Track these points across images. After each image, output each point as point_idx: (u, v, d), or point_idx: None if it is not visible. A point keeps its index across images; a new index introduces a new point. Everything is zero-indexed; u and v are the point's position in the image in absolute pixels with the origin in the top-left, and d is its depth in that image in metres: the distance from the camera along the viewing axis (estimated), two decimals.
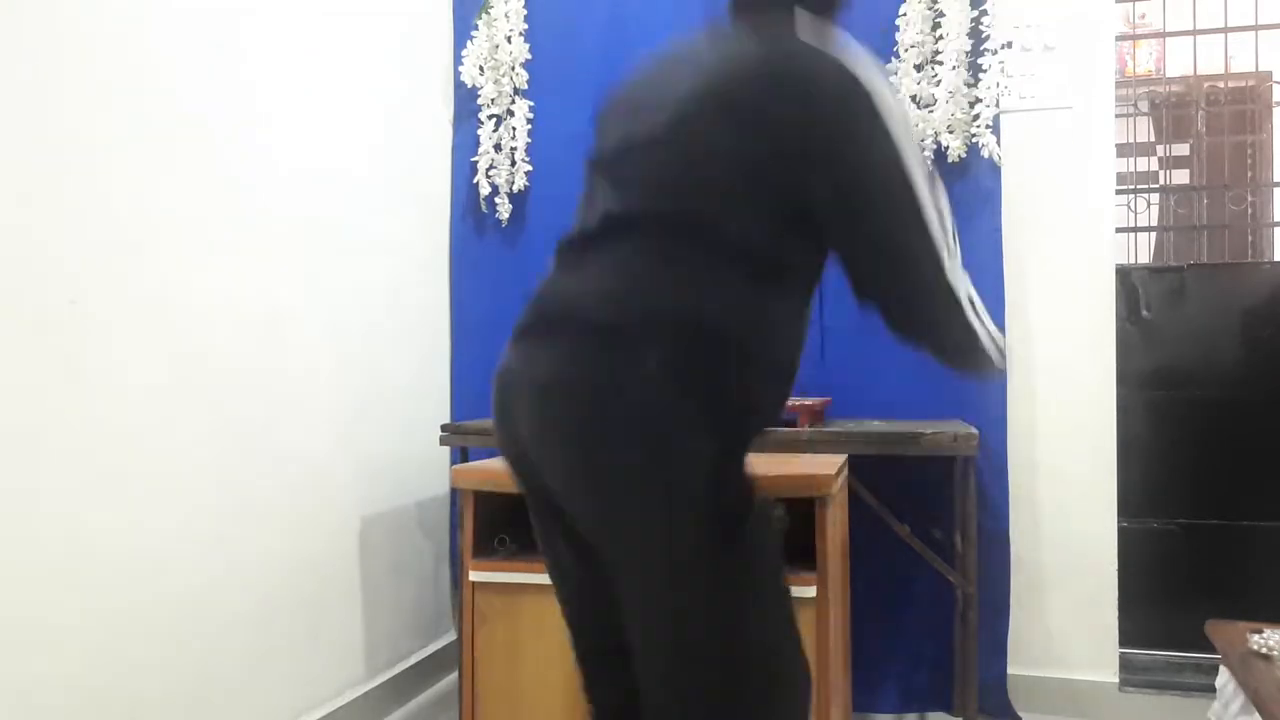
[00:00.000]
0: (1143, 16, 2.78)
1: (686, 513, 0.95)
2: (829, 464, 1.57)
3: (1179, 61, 2.58)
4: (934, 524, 2.08)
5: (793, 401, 1.94)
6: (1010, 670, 2.13)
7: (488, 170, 2.48)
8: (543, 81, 2.48)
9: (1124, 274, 2.29)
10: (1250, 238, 2.71)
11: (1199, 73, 2.49)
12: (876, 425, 1.92)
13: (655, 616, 1.00)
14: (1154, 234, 2.67)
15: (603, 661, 1.15)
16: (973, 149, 2.13)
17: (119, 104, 1.45)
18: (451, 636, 2.50)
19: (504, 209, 2.49)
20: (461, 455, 2.09)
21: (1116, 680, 2.12)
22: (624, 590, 1.02)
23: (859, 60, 0.99)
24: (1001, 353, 1.08)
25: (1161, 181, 2.96)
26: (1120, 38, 2.48)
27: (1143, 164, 3.03)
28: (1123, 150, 2.75)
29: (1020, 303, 2.16)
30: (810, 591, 1.40)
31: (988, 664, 2.07)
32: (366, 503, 2.15)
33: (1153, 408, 2.30)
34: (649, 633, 1.01)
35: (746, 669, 0.99)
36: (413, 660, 2.32)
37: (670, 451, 0.94)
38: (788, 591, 1.06)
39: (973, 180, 2.16)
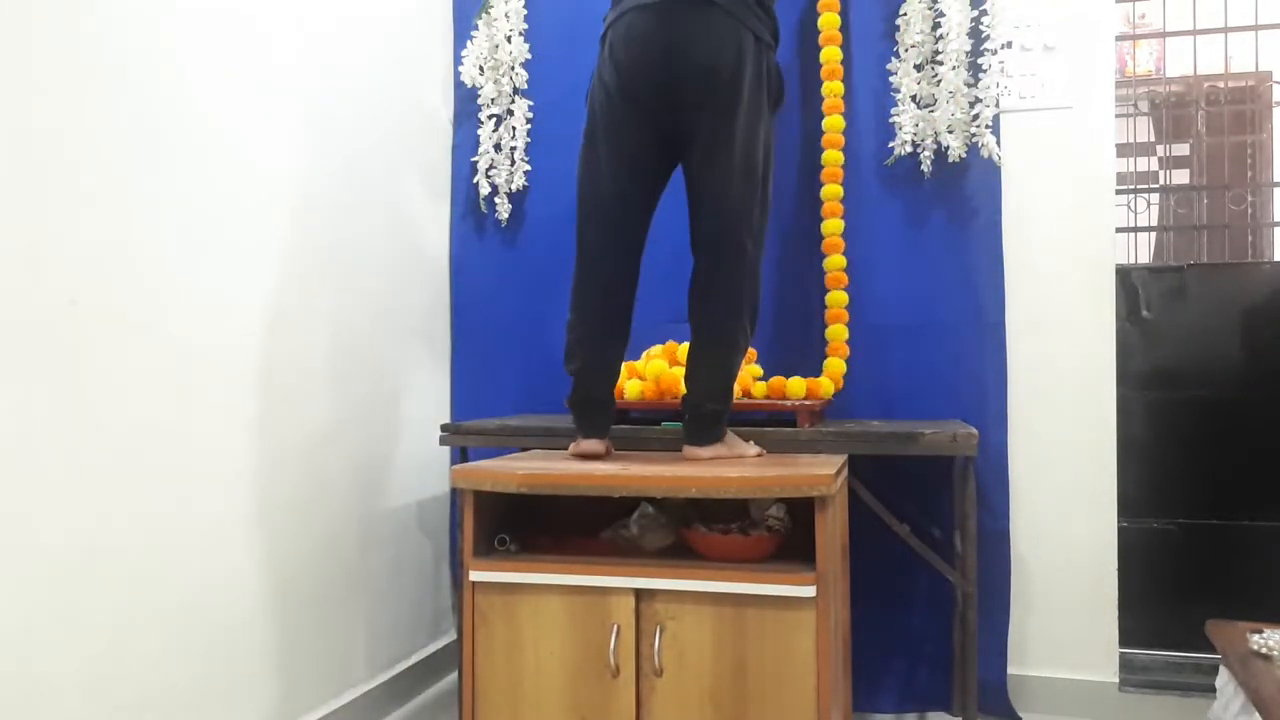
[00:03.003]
0: (1143, 16, 2.78)
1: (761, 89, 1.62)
2: (829, 464, 1.57)
3: (1179, 61, 2.59)
4: (934, 523, 2.08)
5: (793, 402, 1.94)
6: (1010, 670, 2.13)
7: (488, 170, 2.49)
8: (543, 81, 2.49)
9: (1124, 274, 2.29)
10: (1250, 238, 2.71)
11: (1199, 73, 2.50)
12: (876, 425, 1.92)
13: (735, 156, 1.58)
14: (1154, 234, 2.67)
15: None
16: (973, 149, 2.13)
17: (120, 103, 1.45)
18: (451, 636, 2.50)
19: (504, 209, 2.49)
20: (461, 455, 2.09)
21: (1116, 680, 2.12)
22: (704, 152, 1.59)
23: None
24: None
25: (1161, 181, 2.96)
26: (1120, 38, 2.49)
27: (1143, 164, 3.04)
28: (1123, 150, 2.75)
29: (1020, 302, 2.16)
30: (810, 591, 1.40)
31: (988, 664, 2.07)
32: (366, 503, 2.15)
33: (1152, 408, 2.30)
34: (723, 172, 1.58)
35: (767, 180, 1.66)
36: (413, 660, 2.32)
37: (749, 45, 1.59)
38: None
39: (973, 180, 2.16)
